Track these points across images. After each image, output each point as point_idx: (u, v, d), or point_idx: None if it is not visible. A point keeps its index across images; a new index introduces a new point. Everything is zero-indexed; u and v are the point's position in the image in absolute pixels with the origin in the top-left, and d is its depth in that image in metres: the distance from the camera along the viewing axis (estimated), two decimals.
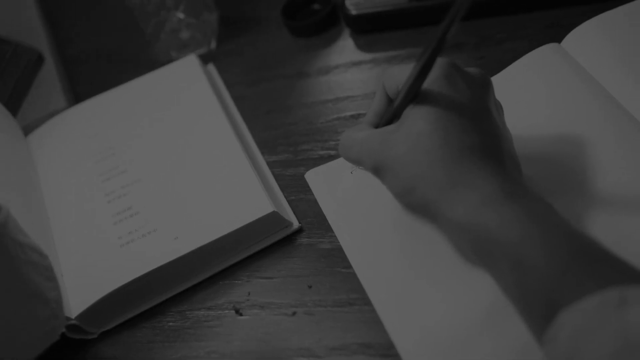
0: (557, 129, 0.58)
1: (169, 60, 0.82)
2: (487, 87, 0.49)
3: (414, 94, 0.47)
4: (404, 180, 0.45)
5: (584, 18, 0.64)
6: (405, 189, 0.46)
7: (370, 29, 0.77)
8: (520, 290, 0.40)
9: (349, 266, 0.57)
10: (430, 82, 0.46)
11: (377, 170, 0.48)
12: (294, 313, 0.56)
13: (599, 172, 0.54)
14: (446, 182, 0.43)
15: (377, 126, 0.52)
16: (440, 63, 0.47)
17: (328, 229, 0.60)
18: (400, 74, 0.49)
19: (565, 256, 0.39)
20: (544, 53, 0.63)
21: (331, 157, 0.65)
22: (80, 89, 0.85)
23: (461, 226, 0.43)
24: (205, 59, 0.80)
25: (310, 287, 0.57)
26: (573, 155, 0.56)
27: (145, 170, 0.67)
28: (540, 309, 0.39)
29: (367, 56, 0.75)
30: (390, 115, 0.50)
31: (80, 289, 0.59)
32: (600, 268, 0.38)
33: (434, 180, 0.44)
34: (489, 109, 0.48)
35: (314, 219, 0.62)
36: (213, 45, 0.83)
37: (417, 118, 0.46)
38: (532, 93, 0.61)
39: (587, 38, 0.63)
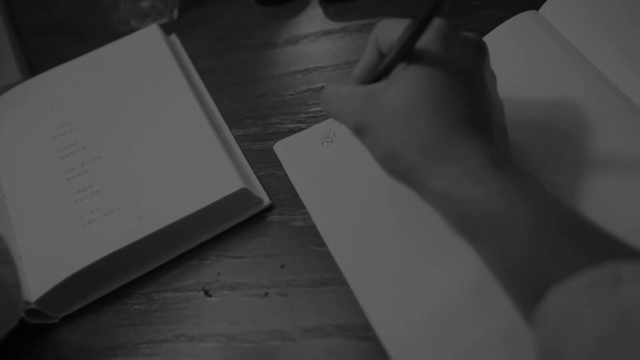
0: (537, 98, 0.57)
1: (129, 30, 0.78)
2: (483, 53, 0.47)
3: (407, 52, 0.44)
4: (390, 145, 0.43)
5: None
6: (390, 154, 0.43)
7: None
8: (507, 267, 0.39)
9: (323, 244, 0.55)
10: (426, 42, 0.44)
11: (359, 131, 0.45)
12: (266, 294, 0.54)
13: (581, 142, 0.53)
14: (435, 150, 0.41)
15: (363, 82, 0.49)
16: (437, 24, 0.45)
17: (300, 205, 0.58)
18: (396, 27, 0.46)
19: (555, 231, 0.37)
20: (522, 20, 0.62)
21: (302, 131, 0.63)
22: (35, 61, 0.81)
23: (447, 196, 0.41)
24: (167, 29, 0.77)
25: (282, 266, 0.56)
26: (555, 125, 0.55)
27: (106, 147, 0.64)
28: (528, 286, 0.37)
29: (337, 25, 0.73)
30: (380, 72, 0.47)
31: (40, 271, 0.57)
32: (592, 243, 0.37)
33: (422, 147, 0.42)
34: (484, 77, 0.46)
35: (286, 196, 0.60)
36: (175, 14, 0.80)
37: (410, 80, 0.43)
38: (512, 62, 0.60)
39: (565, 4, 0.62)
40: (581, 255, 0.36)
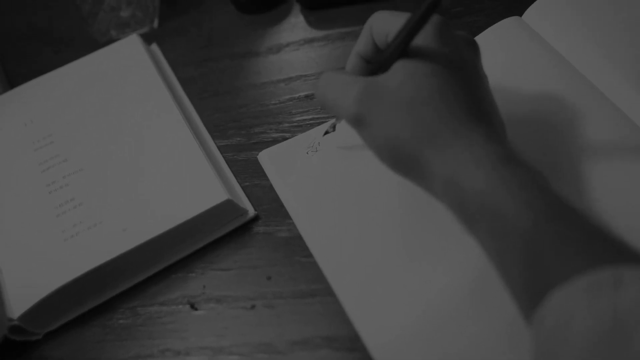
0: (521, 104, 0.57)
1: (109, 40, 0.78)
2: (477, 51, 0.48)
3: (405, 48, 0.45)
4: (394, 134, 0.43)
5: None
6: (394, 143, 0.44)
7: (322, 5, 0.74)
8: (507, 262, 0.39)
9: (309, 255, 0.55)
10: (425, 36, 0.45)
11: (359, 121, 0.45)
12: (253, 306, 0.54)
13: (565, 146, 0.54)
14: (441, 139, 0.42)
15: (359, 73, 0.50)
16: (434, 19, 0.45)
17: (285, 215, 0.58)
18: (393, 20, 0.46)
19: (555, 227, 0.37)
20: (505, 27, 0.62)
21: (286, 140, 0.63)
22: (13, 71, 0.80)
23: (452, 184, 0.41)
24: (147, 39, 0.76)
25: (269, 278, 0.55)
26: (538, 131, 0.55)
27: (87, 159, 0.64)
28: (527, 286, 0.37)
29: (319, 33, 0.72)
30: (378, 65, 0.47)
31: (22, 287, 0.56)
32: (594, 244, 0.36)
33: (429, 135, 0.42)
34: (481, 73, 0.47)
35: (271, 206, 0.59)
36: (155, 24, 0.79)
37: (413, 72, 0.44)
38: (495, 68, 0.59)
39: (548, 10, 0.62)
40: (582, 257, 0.35)
